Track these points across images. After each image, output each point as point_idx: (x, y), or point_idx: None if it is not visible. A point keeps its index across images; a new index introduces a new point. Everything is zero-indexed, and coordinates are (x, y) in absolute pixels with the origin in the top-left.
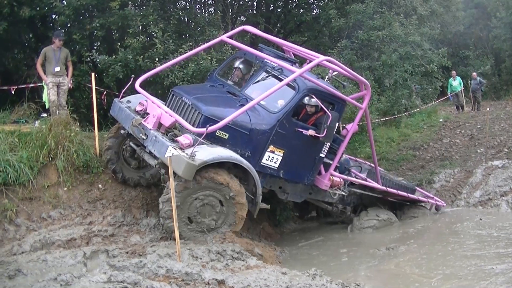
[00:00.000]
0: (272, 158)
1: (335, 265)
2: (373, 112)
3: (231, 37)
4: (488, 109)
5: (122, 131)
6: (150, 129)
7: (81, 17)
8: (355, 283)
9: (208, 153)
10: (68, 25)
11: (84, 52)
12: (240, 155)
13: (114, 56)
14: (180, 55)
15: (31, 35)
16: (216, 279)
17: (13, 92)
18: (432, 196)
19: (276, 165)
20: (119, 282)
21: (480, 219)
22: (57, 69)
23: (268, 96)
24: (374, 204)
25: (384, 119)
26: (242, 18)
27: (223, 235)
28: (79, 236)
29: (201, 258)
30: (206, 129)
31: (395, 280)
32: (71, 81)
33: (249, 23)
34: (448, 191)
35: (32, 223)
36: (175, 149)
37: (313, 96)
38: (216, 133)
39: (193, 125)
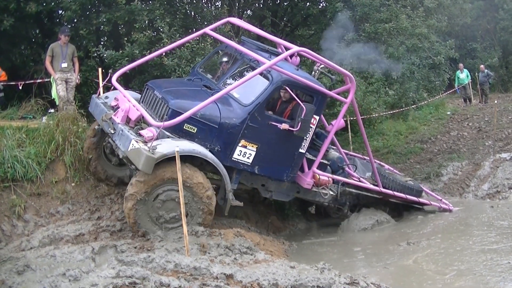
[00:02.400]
0: (245, 153)
1: (349, 262)
2: (380, 105)
3: (214, 29)
4: (495, 101)
5: (96, 127)
6: (119, 123)
7: (87, 12)
8: (363, 276)
9: (170, 146)
10: (75, 20)
11: (91, 48)
12: (210, 150)
13: (121, 51)
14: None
15: (38, 31)
16: (225, 274)
17: (20, 87)
18: (440, 198)
19: (250, 161)
20: (127, 277)
21: (492, 206)
22: (64, 65)
23: (236, 87)
24: (374, 205)
25: (391, 112)
26: (249, 12)
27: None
28: (88, 231)
29: (209, 253)
30: (163, 123)
31: (408, 278)
32: (78, 76)
33: (256, 16)
34: (456, 184)
35: (40, 219)
36: (137, 142)
37: (287, 88)
38: (184, 127)
39: (161, 119)
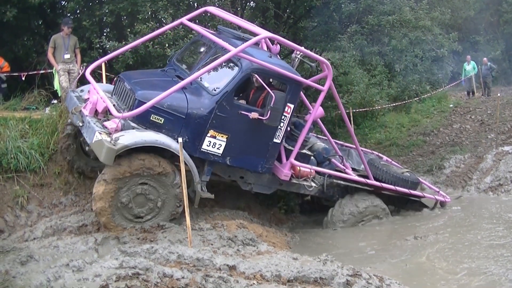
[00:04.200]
0: (214, 143)
1: (359, 258)
2: (383, 97)
3: (192, 19)
4: (498, 94)
5: (69, 120)
6: (87, 115)
7: (90, 4)
8: (368, 268)
9: (132, 137)
10: (78, 11)
11: (94, 39)
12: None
13: (124, 43)
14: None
15: (40, 22)
16: (228, 265)
17: (23, 78)
18: (438, 190)
19: (220, 152)
20: (130, 268)
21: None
22: (67, 56)
23: (199, 76)
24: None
25: (394, 104)
26: (252, 3)
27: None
28: (90, 222)
29: (212, 244)
30: (122, 114)
31: (421, 278)
32: (81, 67)
33: (259, 8)
34: (459, 176)
35: (43, 210)
36: (100, 134)
37: (257, 76)
38: (151, 118)
39: (130, 110)
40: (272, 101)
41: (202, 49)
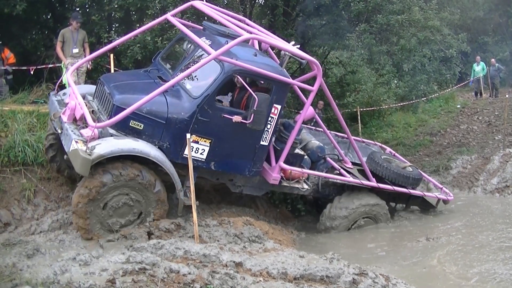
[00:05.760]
0: (197, 148)
1: (368, 258)
2: (390, 97)
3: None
4: (506, 95)
5: (49, 129)
6: (65, 122)
7: None
8: (374, 267)
9: (108, 145)
10: (87, 6)
11: (103, 34)
12: (159, 147)
13: (132, 38)
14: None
15: (49, 16)
16: (234, 261)
17: (31, 72)
18: (441, 187)
19: (204, 157)
20: (137, 263)
21: None
22: (75, 50)
23: (178, 81)
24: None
25: (401, 104)
26: (261, 1)
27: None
28: None
29: (218, 240)
30: (95, 125)
31: (434, 283)
32: (89, 62)
33: (268, 6)
34: (465, 177)
35: (50, 203)
36: (76, 142)
37: (239, 77)
38: (130, 124)
39: (109, 115)
40: (255, 104)
41: (188, 46)
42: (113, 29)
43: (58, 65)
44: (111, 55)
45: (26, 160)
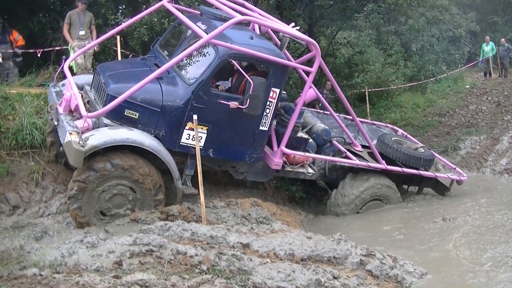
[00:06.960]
0: (194, 136)
1: (383, 242)
2: (399, 77)
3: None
4: None
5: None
6: (61, 113)
7: None
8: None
9: (102, 136)
10: None
11: (110, 15)
12: (155, 136)
13: (139, 19)
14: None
15: None
16: (241, 243)
17: (39, 55)
18: (454, 167)
19: (201, 144)
20: (144, 245)
21: None
22: (82, 32)
23: (170, 66)
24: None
25: (409, 84)
26: None
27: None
28: None
29: (226, 222)
30: (86, 116)
31: (448, 268)
32: (96, 45)
33: None
34: (474, 158)
35: (58, 186)
36: (71, 134)
37: (234, 61)
38: (125, 113)
39: (104, 105)
40: (250, 88)
41: (187, 33)
42: (120, 11)
43: (65, 47)
44: (118, 37)
45: (34, 143)
